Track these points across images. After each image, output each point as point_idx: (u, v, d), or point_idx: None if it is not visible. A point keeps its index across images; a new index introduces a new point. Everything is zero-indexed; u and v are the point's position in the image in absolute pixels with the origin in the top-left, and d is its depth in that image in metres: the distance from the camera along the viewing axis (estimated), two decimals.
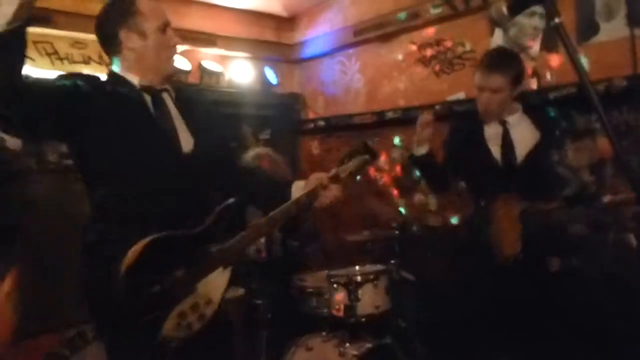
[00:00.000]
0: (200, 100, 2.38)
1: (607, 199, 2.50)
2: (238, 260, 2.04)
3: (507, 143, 2.70)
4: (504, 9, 1.21)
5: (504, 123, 2.72)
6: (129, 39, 1.97)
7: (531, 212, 2.51)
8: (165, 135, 2.00)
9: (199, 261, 1.93)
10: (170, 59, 2.08)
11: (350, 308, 3.03)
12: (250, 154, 3.66)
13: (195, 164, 2.03)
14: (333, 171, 2.12)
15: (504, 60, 2.67)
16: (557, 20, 1.14)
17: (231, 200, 2.02)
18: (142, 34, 1.98)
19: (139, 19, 1.96)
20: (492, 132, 2.75)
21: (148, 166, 1.94)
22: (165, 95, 2.08)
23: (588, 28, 3.27)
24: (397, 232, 3.59)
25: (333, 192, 2.11)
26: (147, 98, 2.01)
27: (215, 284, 1.96)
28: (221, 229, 1.99)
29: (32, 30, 3.66)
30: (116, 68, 2.04)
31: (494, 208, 2.55)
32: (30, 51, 3.78)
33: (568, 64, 1.16)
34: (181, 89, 2.24)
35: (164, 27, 2.03)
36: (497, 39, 3.67)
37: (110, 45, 2.02)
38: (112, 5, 2.02)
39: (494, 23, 1.13)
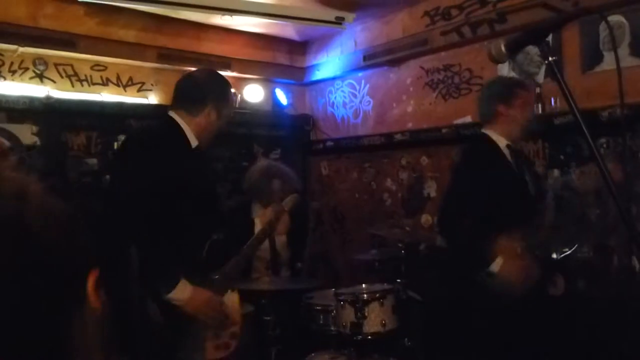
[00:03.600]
0: None
1: None
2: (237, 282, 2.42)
3: (520, 167, 2.72)
4: (503, 48, 1.30)
5: (510, 147, 2.71)
6: (210, 114, 2.34)
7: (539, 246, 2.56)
8: None
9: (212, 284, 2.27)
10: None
11: (357, 325, 3.09)
12: (258, 167, 3.76)
13: None
14: (282, 205, 2.64)
15: None
16: (550, 59, 1.23)
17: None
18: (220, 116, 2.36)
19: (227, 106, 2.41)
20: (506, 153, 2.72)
21: None
22: None
23: (592, 57, 3.36)
24: (404, 252, 3.65)
25: (285, 222, 2.59)
26: None
27: (232, 303, 2.28)
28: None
29: (53, 52, 3.86)
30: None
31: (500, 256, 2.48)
32: (51, 73, 3.94)
33: (573, 90, 1.26)
34: None
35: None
36: (504, 65, 3.78)
37: (195, 105, 2.33)
38: (213, 83, 2.39)
39: (493, 60, 1.20)
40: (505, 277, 2.43)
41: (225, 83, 2.42)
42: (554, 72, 1.21)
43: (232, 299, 2.32)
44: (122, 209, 2.04)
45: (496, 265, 2.45)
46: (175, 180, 2.13)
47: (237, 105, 2.59)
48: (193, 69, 4.51)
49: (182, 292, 2.06)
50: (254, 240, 2.49)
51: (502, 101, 2.68)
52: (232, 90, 2.48)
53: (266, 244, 3.23)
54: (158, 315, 2.05)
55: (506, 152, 2.69)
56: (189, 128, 2.28)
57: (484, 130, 2.78)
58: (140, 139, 2.31)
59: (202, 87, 2.33)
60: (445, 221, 2.70)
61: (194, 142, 2.29)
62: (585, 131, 1.14)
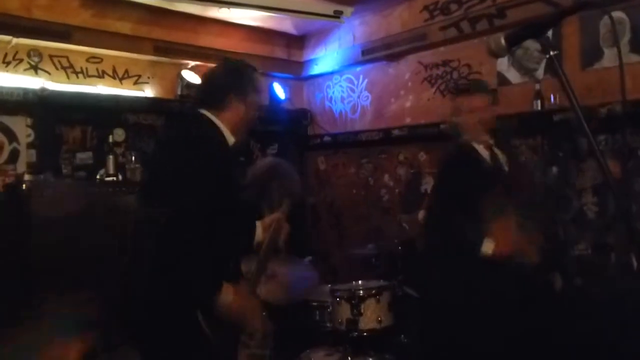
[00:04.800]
0: None
1: None
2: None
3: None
4: (502, 41, 1.27)
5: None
6: (237, 106, 2.17)
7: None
8: None
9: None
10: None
11: (352, 322, 3.08)
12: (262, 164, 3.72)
13: None
14: (281, 212, 2.40)
15: None
16: (552, 53, 1.20)
17: None
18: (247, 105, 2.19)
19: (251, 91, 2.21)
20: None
21: None
22: None
23: (592, 53, 3.34)
24: (401, 248, 3.63)
25: (287, 226, 2.39)
26: None
27: None
28: None
29: (48, 44, 3.82)
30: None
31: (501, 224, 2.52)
32: (46, 64, 3.90)
33: (572, 86, 1.23)
34: None
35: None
36: (504, 60, 3.76)
37: (218, 100, 2.16)
38: (227, 72, 2.22)
39: (492, 54, 1.18)
40: (500, 255, 2.45)
41: (242, 68, 2.24)
42: (555, 66, 1.18)
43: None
44: (184, 224, 1.86)
45: (487, 248, 2.46)
46: (224, 183, 2.02)
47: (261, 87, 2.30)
48: (190, 62, 4.52)
49: (227, 295, 1.92)
50: (262, 257, 2.35)
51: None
52: (255, 74, 2.25)
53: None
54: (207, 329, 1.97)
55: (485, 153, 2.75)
56: (222, 124, 2.14)
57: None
58: (186, 143, 2.08)
59: (220, 79, 2.19)
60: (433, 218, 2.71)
61: (230, 140, 2.14)
62: (586, 127, 1.12)
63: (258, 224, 2.35)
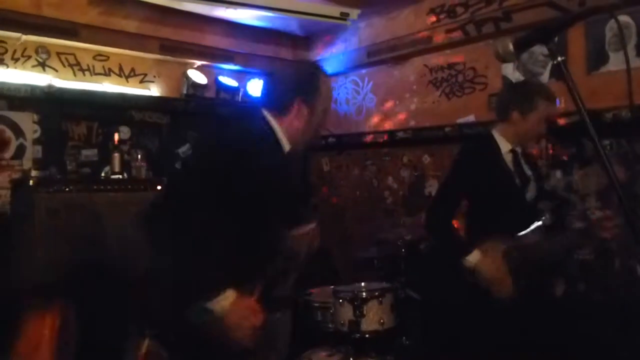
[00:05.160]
0: None
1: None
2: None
3: (520, 171, 2.64)
4: (510, 46, 1.27)
5: (514, 152, 2.64)
6: (300, 111, 2.00)
7: (514, 251, 2.46)
8: None
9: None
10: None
11: (355, 323, 3.08)
12: None
13: None
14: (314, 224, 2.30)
15: None
16: (559, 59, 1.20)
17: None
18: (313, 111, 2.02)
19: (320, 97, 2.03)
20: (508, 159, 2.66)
21: None
22: None
23: (598, 57, 3.34)
24: (404, 250, 3.63)
25: (318, 237, 2.27)
26: None
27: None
28: None
29: (56, 41, 3.84)
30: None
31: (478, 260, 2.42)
32: (53, 62, 3.92)
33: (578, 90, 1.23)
34: None
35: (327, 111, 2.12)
36: (509, 64, 3.76)
37: (282, 103, 2.02)
38: (296, 74, 2.08)
39: (499, 58, 1.18)
40: (481, 272, 2.38)
41: (314, 71, 2.06)
42: (562, 72, 1.18)
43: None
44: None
45: (473, 257, 2.38)
46: (261, 188, 1.89)
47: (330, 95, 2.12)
48: (196, 61, 4.54)
49: (225, 300, 1.73)
50: (304, 258, 2.23)
51: (519, 109, 2.55)
52: (325, 78, 2.07)
53: None
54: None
55: (507, 157, 2.61)
56: (280, 129, 1.99)
57: (492, 130, 2.67)
58: (236, 142, 1.92)
59: (287, 80, 2.03)
60: (432, 215, 2.62)
61: (286, 146, 2.00)
62: (592, 131, 1.12)
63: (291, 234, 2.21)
